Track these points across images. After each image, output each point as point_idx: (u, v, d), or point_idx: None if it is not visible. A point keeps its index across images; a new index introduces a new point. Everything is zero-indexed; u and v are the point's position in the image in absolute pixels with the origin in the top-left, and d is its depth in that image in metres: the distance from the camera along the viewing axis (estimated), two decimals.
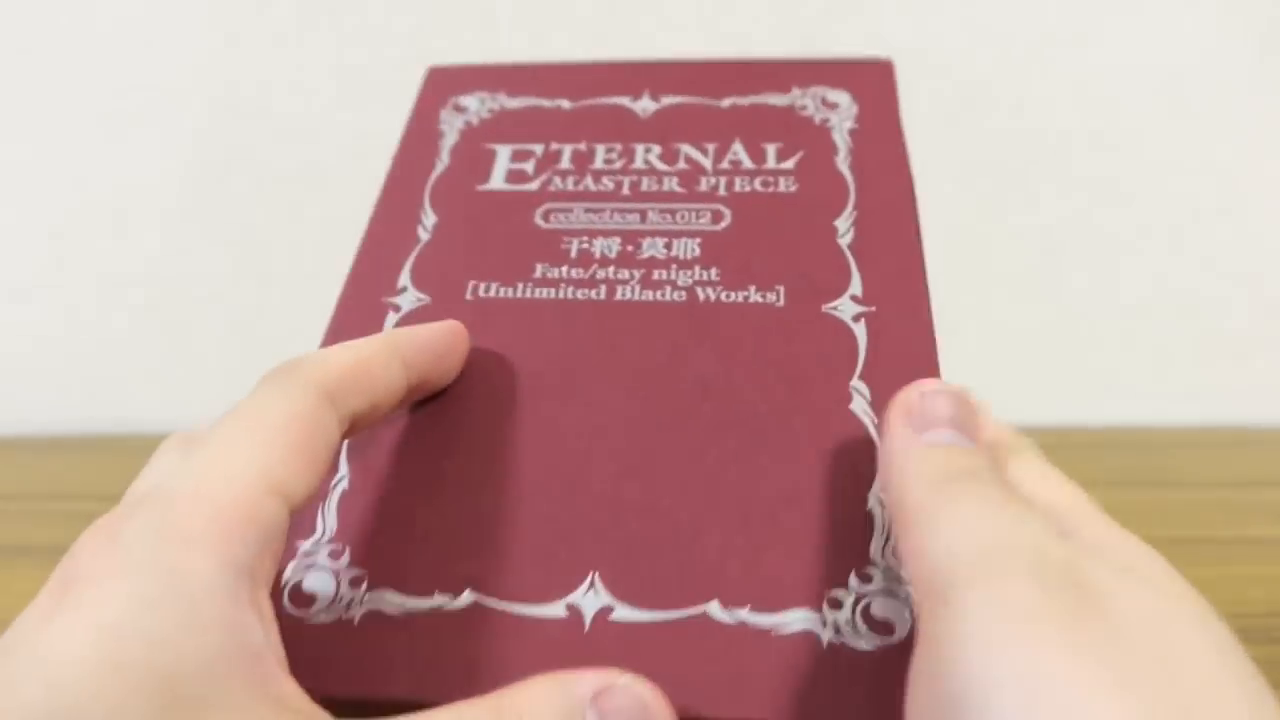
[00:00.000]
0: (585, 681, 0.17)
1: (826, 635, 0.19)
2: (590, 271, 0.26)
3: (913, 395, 0.20)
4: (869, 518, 0.21)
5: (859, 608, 0.19)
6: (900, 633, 0.19)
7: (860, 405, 0.23)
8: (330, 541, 0.22)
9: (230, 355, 0.68)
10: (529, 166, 0.30)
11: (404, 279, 0.27)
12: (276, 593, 0.20)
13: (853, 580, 0.20)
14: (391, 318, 0.26)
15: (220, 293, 0.66)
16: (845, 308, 0.25)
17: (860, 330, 0.24)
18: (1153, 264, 0.62)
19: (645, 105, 0.31)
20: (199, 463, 0.17)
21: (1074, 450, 0.63)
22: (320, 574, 0.21)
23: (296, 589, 0.21)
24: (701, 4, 0.55)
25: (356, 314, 0.26)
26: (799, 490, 0.21)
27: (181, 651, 0.14)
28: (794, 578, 0.20)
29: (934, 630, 0.16)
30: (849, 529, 0.21)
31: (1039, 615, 0.15)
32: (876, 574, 0.20)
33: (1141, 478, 0.59)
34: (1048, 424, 0.66)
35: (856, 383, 0.23)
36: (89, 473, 0.66)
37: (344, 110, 0.61)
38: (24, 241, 0.66)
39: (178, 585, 0.15)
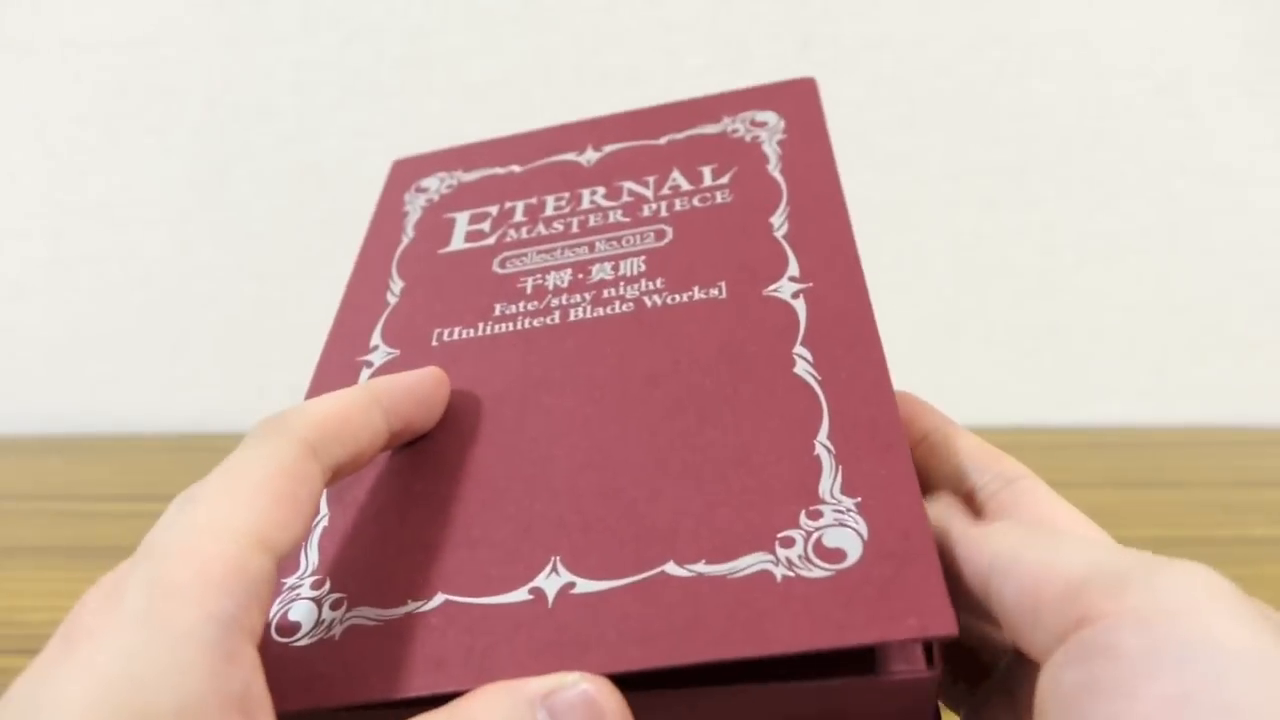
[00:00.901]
0: (534, 684, 0.18)
1: (780, 571, 0.19)
2: (545, 302, 0.28)
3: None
4: (816, 462, 0.21)
5: (810, 542, 0.20)
6: (852, 558, 0.19)
7: (803, 368, 0.24)
8: (312, 575, 0.23)
9: (230, 355, 0.68)
10: (486, 226, 0.32)
11: (375, 339, 0.28)
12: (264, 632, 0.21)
13: (803, 519, 0.20)
14: (365, 374, 0.27)
15: (220, 293, 0.66)
16: (785, 288, 0.26)
17: (800, 305, 0.25)
18: (1153, 264, 0.62)
19: (589, 156, 0.33)
20: (189, 520, 0.18)
21: (1074, 450, 0.63)
22: (303, 604, 0.22)
23: (283, 620, 0.22)
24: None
25: (333, 375, 0.28)
26: (747, 451, 0.22)
27: (162, 694, 0.16)
28: (745, 527, 0.20)
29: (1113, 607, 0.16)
30: (798, 475, 0.21)
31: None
32: (827, 510, 0.20)
33: (1141, 478, 0.59)
34: (1048, 424, 0.66)
35: (799, 349, 0.24)
36: (89, 473, 0.66)
37: (344, 110, 0.61)
38: (24, 241, 0.66)
39: (163, 634, 0.16)
